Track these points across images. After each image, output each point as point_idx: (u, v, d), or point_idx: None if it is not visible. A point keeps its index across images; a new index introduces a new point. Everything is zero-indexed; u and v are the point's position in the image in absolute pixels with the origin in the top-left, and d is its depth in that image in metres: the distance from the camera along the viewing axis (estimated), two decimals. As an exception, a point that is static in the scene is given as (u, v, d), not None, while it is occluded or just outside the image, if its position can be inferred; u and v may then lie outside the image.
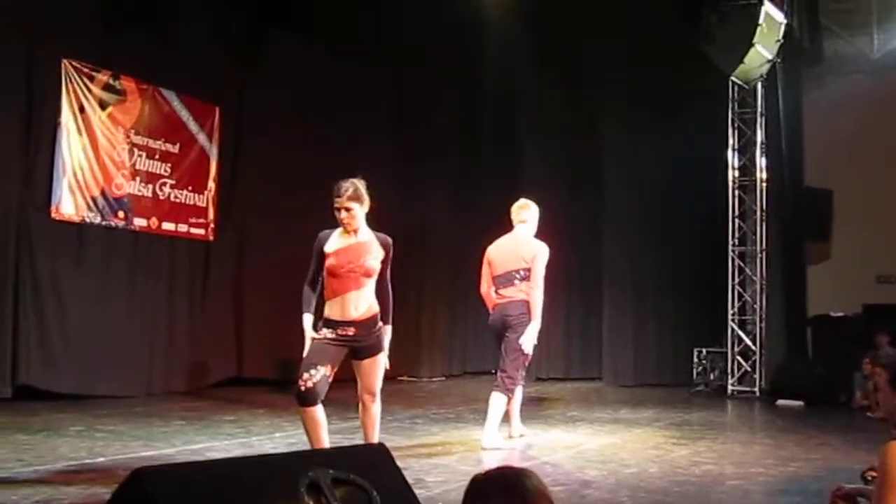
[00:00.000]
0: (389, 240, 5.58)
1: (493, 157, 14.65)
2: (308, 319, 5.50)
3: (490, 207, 13.24)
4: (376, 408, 5.65)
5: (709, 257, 12.93)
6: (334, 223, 5.50)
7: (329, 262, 5.44)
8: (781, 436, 8.27)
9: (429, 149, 13.73)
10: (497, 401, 6.96)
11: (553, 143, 14.23)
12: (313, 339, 5.42)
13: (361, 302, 5.43)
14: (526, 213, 7.35)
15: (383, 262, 5.52)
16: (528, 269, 7.07)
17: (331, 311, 5.45)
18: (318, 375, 5.30)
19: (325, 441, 5.42)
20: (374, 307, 5.53)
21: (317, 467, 2.71)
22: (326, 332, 5.42)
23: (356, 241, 5.47)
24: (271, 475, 2.67)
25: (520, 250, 7.17)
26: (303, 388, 5.30)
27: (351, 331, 5.41)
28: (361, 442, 5.95)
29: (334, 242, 5.48)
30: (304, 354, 5.41)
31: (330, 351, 5.39)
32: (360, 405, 5.66)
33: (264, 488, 2.58)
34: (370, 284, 5.48)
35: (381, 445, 3.54)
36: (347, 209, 5.39)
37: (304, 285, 5.55)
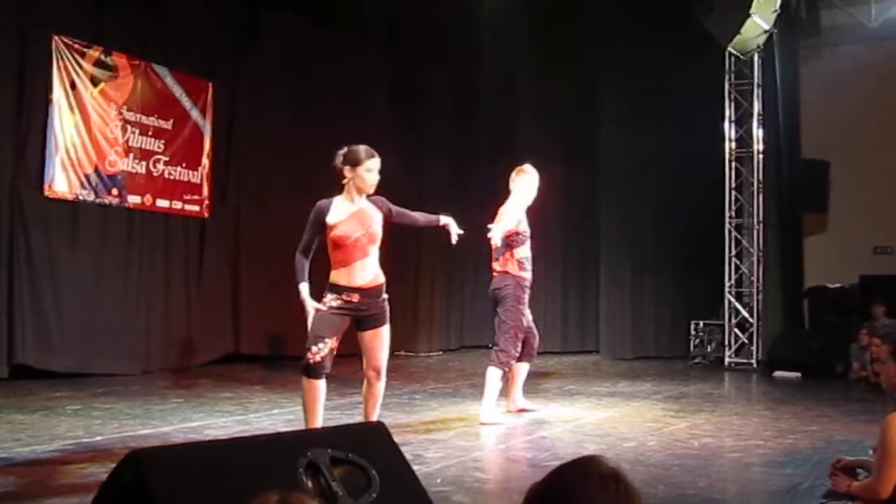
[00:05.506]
0: (381, 198, 5.58)
1: (491, 132, 14.55)
2: (305, 288, 5.41)
3: (488, 182, 13.18)
4: (381, 385, 5.61)
5: (705, 229, 12.88)
6: (328, 197, 5.47)
7: (334, 233, 5.37)
8: (779, 407, 8.28)
9: (426, 124, 13.62)
10: (493, 375, 6.96)
11: (550, 117, 14.16)
12: (317, 309, 5.37)
13: (367, 271, 5.42)
14: (513, 184, 7.33)
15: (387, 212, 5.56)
16: (505, 238, 7.09)
17: (337, 278, 5.41)
18: (326, 349, 5.31)
19: (320, 415, 5.44)
20: (380, 277, 5.51)
21: (315, 447, 2.69)
22: (331, 300, 5.38)
23: (359, 209, 5.43)
24: (269, 456, 2.65)
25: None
26: (311, 362, 5.32)
27: (355, 297, 5.38)
28: (359, 418, 5.95)
29: (337, 212, 5.40)
30: (309, 326, 5.38)
31: (335, 321, 5.38)
32: (365, 381, 5.63)
33: (262, 470, 2.56)
34: (374, 252, 5.46)
35: (379, 423, 3.53)
36: (379, 172, 5.41)
37: (296, 254, 5.46)
